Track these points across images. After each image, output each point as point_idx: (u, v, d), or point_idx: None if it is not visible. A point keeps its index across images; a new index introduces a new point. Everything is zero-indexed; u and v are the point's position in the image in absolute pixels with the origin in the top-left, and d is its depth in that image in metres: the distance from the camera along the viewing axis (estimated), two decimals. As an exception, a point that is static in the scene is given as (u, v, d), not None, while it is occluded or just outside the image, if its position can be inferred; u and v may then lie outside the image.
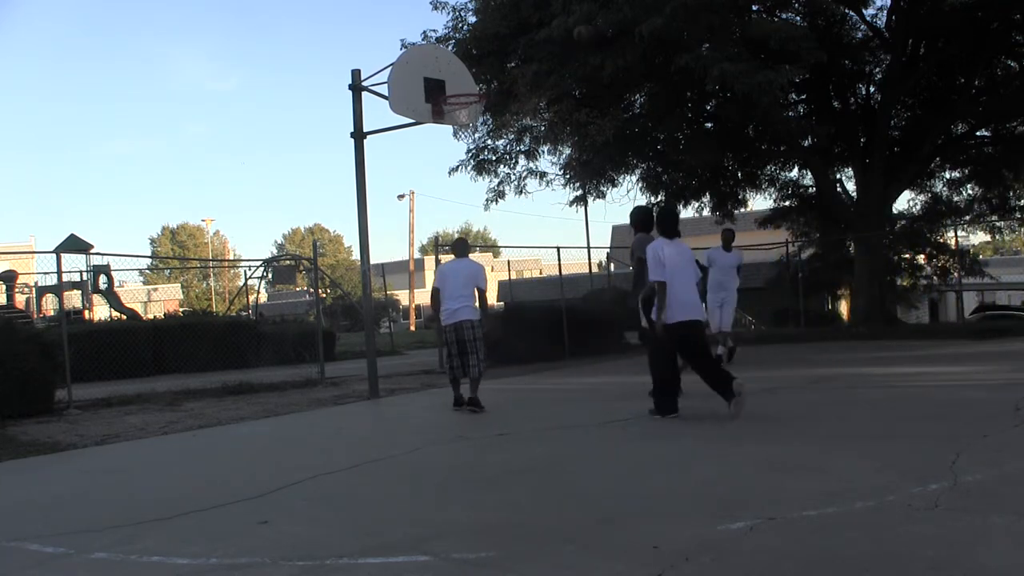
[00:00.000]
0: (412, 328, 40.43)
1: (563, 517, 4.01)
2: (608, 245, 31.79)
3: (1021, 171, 18.35)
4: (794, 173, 20.28)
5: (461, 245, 8.62)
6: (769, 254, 21.15)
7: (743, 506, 3.95)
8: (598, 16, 12.47)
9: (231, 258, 66.71)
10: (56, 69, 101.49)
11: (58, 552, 3.84)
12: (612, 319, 16.09)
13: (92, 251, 22.07)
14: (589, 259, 20.99)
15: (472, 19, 15.43)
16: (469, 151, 17.36)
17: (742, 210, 20.56)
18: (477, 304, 7.97)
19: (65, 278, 15.80)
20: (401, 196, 49.68)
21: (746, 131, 16.57)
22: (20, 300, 23.60)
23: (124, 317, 21.59)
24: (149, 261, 62.83)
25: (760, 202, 49.02)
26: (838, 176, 19.53)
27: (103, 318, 22.44)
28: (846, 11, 16.79)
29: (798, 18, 15.91)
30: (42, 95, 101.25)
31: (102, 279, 22.64)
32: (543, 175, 17.95)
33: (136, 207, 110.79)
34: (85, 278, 22.13)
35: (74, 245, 21.30)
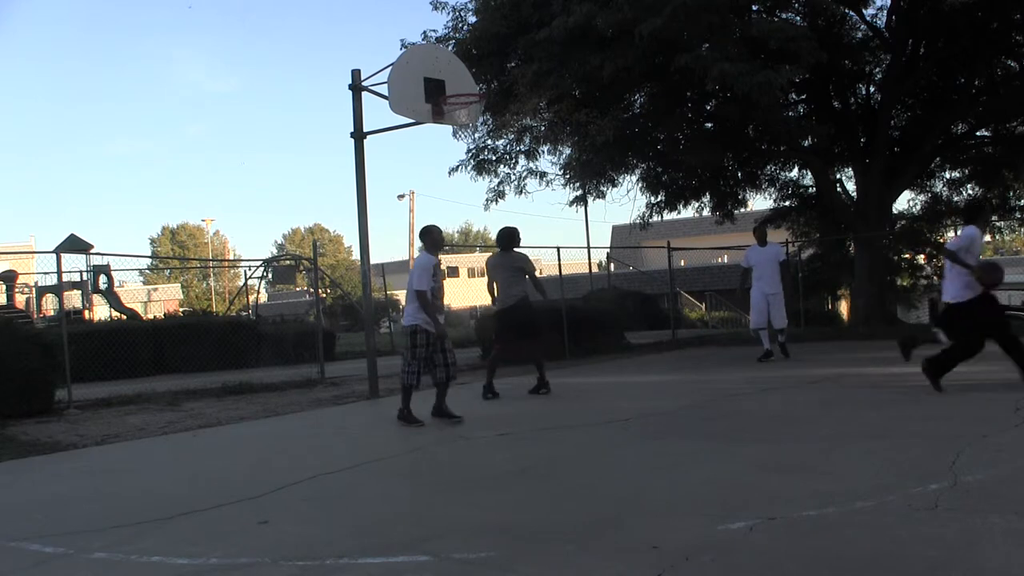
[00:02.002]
0: (412, 328, 40.30)
1: (563, 517, 4.01)
2: (608, 245, 31.83)
3: (1021, 171, 18.36)
4: (794, 173, 20.30)
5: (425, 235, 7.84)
6: (769, 254, 21.09)
7: (743, 506, 3.95)
8: (598, 16, 12.47)
9: (231, 258, 66.77)
10: (56, 69, 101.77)
11: (58, 552, 3.84)
12: (612, 319, 16.10)
13: (92, 251, 22.09)
14: (589, 259, 21.04)
15: (472, 19, 15.43)
16: (469, 151, 17.37)
17: (742, 210, 20.56)
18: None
19: (65, 278, 15.82)
20: (401, 196, 49.69)
21: (746, 131, 16.56)
22: (20, 300, 23.60)
23: (124, 317, 21.60)
24: (149, 261, 62.89)
25: (760, 202, 49.09)
26: (838, 176, 19.54)
27: (103, 318, 22.44)
28: (846, 11, 16.78)
29: (798, 18, 15.89)
30: (42, 95, 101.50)
31: (102, 279, 22.65)
32: (543, 175, 17.97)
33: (136, 207, 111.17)
34: (85, 278, 22.13)
35: (74, 245, 21.31)
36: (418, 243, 8.23)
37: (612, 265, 24.04)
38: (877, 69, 17.96)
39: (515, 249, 9.02)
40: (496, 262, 8.98)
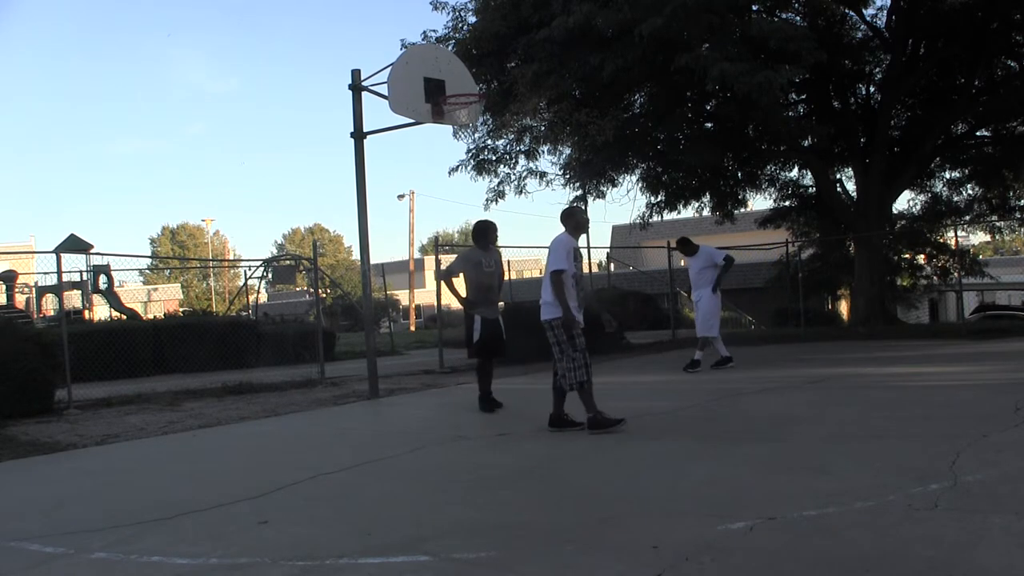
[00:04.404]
0: (412, 328, 40.41)
1: (563, 517, 4.01)
2: (608, 245, 31.82)
3: (1021, 171, 18.38)
4: (794, 173, 20.33)
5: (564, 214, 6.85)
6: (769, 254, 21.17)
7: (743, 506, 3.95)
8: (598, 16, 12.48)
9: (231, 258, 66.75)
10: (56, 69, 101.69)
11: (58, 552, 3.84)
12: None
13: (92, 251, 22.05)
14: (589, 259, 20.97)
15: (472, 19, 15.44)
16: (469, 151, 17.38)
17: (742, 210, 20.57)
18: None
19: (65, 278, 15.82)
20: (401, 196, 49.69)
21: (746, 131, 16.57)
22: (20, 300, 23.59)
23: (124, 317, 21.58)
24: (149, 261, 62.89)
25: (760, 202, 49.06)
26: (838, 176, 19.56)
27: (103, 318, 22.43)
28: (846, 11, 16.80)
29: (798, 18, 15.92)
30: (42, 95, 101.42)
31: (102, 279, 22.63)
32: (543, 175, 17.98)
33: (136, 207, 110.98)
34: (85, 278, 22.11)
35: (74, 245, 21.28)
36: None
37: (612, 265, 24.03)
38: (877, 69, 17.98)
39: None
40: (482, 258, 7.96)
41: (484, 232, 8.04)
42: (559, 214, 6.70)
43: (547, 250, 6.49)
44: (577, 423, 6.40)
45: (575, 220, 6.63)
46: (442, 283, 8.29)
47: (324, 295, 30.19)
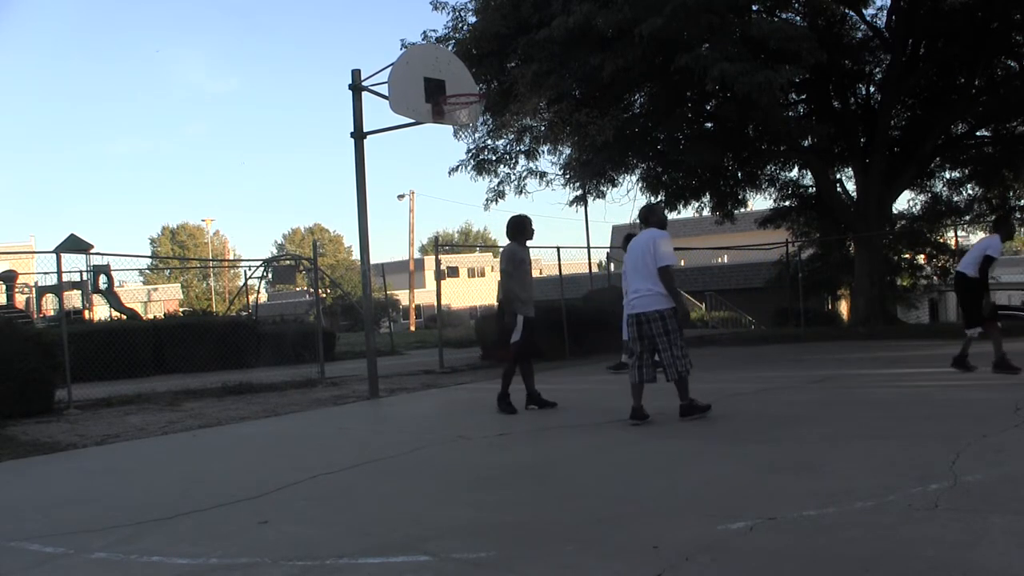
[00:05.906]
0: (412, 328, 40.42)
1: (563, 517, 4.01)
2: (608, 245, 31.82)
3: (1021, 171, 18.41)
4: (794, 173, 20.36)
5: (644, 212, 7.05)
6: (769, 254, 21.17)
7: (743, 506, 3.95)
8: (598, 16, 12.48)
9: (231, 258, 66.75)
10: (56, 69, 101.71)
11: (58, 552, 3.84)
12: (612, 319, 16.10)
13: (92, 251, 22.06)
14: (589, 259, 20.97)
15: (472, 19, 15.45)
16: (469, 151, 17.40)
17: (742, 210, 20.59)
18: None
19: (65, 278, 15.80)
20: (401, 196, 49.77)
21: (746, 131, 16.58)
22: (20, 300, 23.59)
23: (124, 317, 21.58)
24: (149, 261, 62.93)
25: (760, 202, 49.08)
26: (838, 176, 19.58)
27: (103, 318, 22.42)
28: (846, 11, 16.81)
29: (798, 18, 15.92)
30: (43, 95, 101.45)
31: (102, 279, 22.63)
32: (543, 175, 18.01)
33: (136, 207, 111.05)
34: (85, 278, 22.10)
35: (74, 245, 21.28)
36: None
37: (612, 265, 24.04)
38: (877, 69, 18.00)
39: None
40: (525, 256, 7.77)
41: (522, 227, 7.77)
42: (639, 211, 6.99)
43: (652, 243, 6.56)
44: (703, 406, 6.69)
45: (657, 217, 6.95)
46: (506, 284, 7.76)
47: (324, 295, 30.19)
